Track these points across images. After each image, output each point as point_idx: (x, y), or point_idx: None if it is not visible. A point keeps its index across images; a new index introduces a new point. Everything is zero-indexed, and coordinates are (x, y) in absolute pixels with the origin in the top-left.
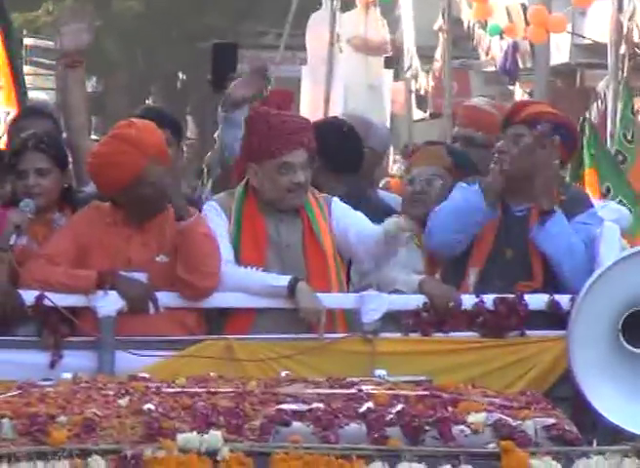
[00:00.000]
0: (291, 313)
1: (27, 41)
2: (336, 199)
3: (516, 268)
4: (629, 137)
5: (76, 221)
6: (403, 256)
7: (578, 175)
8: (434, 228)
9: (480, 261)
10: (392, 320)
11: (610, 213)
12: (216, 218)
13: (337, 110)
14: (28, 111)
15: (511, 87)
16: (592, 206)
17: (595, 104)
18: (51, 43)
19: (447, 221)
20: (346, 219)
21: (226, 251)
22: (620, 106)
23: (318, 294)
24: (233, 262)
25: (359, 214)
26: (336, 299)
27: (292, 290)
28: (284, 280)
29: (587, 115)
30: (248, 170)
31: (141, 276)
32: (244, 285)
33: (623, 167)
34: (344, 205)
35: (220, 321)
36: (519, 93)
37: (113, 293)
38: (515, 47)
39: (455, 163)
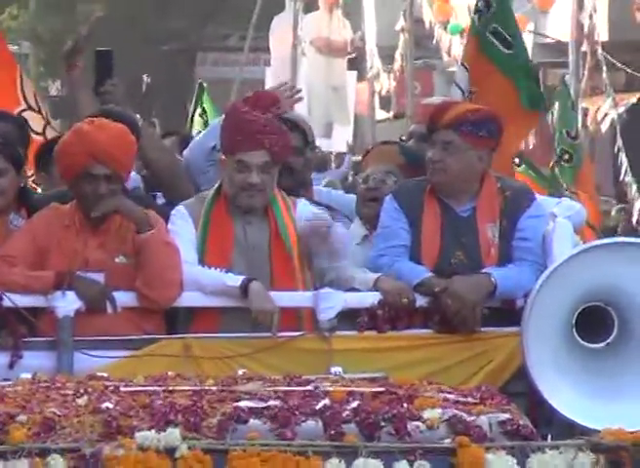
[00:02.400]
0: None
1: None
2: (304, 200)
3: (468, 270)
4: (573, 134)
5: (35, 223)
6: (359, 255)
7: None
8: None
9: (430, 264)
10: (348, 318)
11: (564, 209)
12: (181, 223)
13: (300, 111)
14: None
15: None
16: (535, 198)
17: (557, 103)
18: (15, 47)
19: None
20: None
21: (189, 253)
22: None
23: (275, 293)
24: (193, 262)
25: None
26: (291, 298)
27: (244, 290)
28: (237, 280)
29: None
30: (220, 161)
31: (99, 276)
32: (199, 283)
33: (570, 165)
34: (310, 208)
35: (185, 321)
36: None
37: (71, 294)
38: None
39: (407, 161)
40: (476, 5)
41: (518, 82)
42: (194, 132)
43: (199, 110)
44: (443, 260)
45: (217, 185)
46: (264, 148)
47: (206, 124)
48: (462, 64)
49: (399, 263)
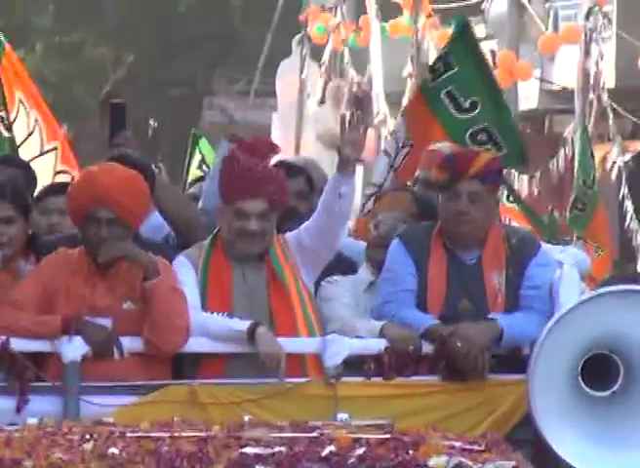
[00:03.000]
0: None
1: None
2: (288, 234)
3: (475, 318)
4: (589, 183)
5: (43, 267)
6: (366, 302)
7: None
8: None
9: (436, 311)
10: (354, 366)
11: (569, 257)
12: (183, 271)
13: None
14: (1, 160)
15: None
16: (541, 245)
17: (562, 150)
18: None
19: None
20: (296, 238)
21: (192, 298)
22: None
23: (281, 339)
24: (198, 308)
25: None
26: (297, 344)
27: (251, 334)
28: (243, 325)
29: (555, 161)
30: (218, 209)
31: (106, 322)
32: (206, 329)
33: (582, 213)
34: (293, 232)
35: (192, 367)
36: None
37: (78, 339)
38: None
39: (419, 210)
40: (433, 65)
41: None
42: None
43: (197, 160)
44: (449, 307)
45: (214, 232)
46: (263, 196)
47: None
48: (402, 116)
49: (405, 311)
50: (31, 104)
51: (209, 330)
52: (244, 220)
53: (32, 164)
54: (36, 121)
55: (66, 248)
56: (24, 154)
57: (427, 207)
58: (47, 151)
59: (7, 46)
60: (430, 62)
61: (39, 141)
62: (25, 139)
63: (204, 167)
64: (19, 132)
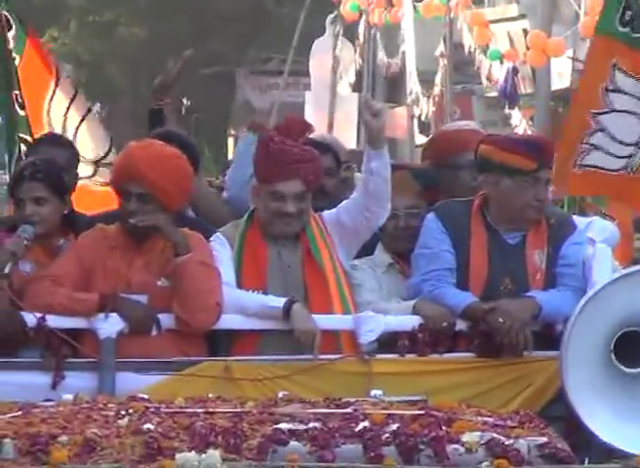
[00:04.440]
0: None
1: None
2: (326, 212)
3: (515, 297)
4: None
5: (81, 244)
6: (386, 284)
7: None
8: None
9: (478, 290)
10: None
11: (598, 232)
12: (219, 248)
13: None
14: (46, 139)
15: (511, 111)
16: (576, 226)
17: None
18: None
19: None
20: (335, 217)
21: (228, 274)
22: None
23: (316, 316)
24: (233, 285)
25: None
26: (332, 321)
27: (287, 311)
28: (279, 302)
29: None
30: (252, 188)
31: (142, 298)
32: (241, 306)
33: None
34: (331, 211)
35: (226, 344)
36: (517, 117)
37: (114, 316)
38: (515, 71)
39: (423, 186)
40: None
41: None
42: None
43: None
44: (491, 287)
45: (249, 211)
46: (299, 178)
47: None
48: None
49: (444, 289)
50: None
51: (244, 306)
52: (281, 202)
53: None
54: None
55: (104, 224)
56: None
57: (429, 181)
58: None
59: (27, 40)
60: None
61: None
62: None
63: None
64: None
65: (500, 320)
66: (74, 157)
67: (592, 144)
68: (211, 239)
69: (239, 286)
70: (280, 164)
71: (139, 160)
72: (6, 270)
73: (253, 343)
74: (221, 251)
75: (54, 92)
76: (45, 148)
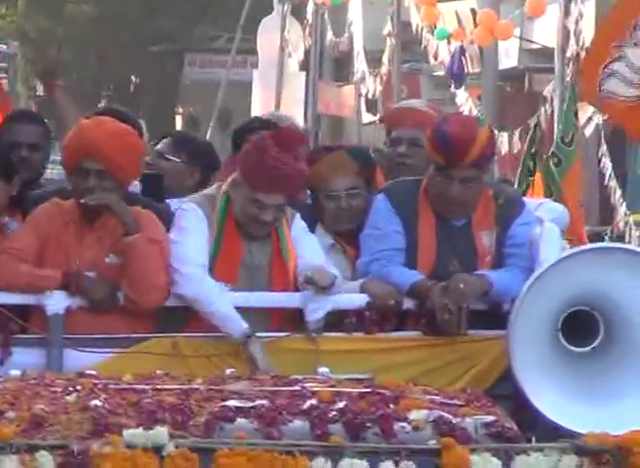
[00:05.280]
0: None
1: None
2: (298, 215)
3: None
4: (567, 140)
5: (37, 216)
6: (330, 264)
7: (527, 181)
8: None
9: (426, 271)
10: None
11: (548, 212)
12: (197, 224)
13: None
14: (18, 115)
15: (457, 91)
16: (525, 204)
17: (543, 108)
18: (3, 46)
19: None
20: (298, 244)
21: (201, 257)
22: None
23: (265, 294)
24: (205, 270)
25: (310, 243)
26: (280, 299)
27: (245, 341)
28: (240, 330)
29: (536, 119)
30: (230, 177)
31: (90, 275)
32: (208, 300)
33: (557, 169)
34: (302, 225)
35: (180, 322)
36: (463, 97)
37: (60, 292)
38: (462, 51)
39: (360, 165)
40: None
41: None
42: None
43: None
44: (440, 268)
45: (226, 197)
46: (284, 192)
47: None
48: None
49: (391, 267)
50: None
51: (210, 302)
52: (260, 209)
53: None
54: None
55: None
56: None
57: (366, 160)
58: None
59: None
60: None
61: None
62: None
63: None
64: None
65: (437, 297)
66: (47, 133)
67: (611, 71)
68: (184, 208)
69: (211, 274)
70: (270, 178)
71: (95, 136)
72: None
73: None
74: (199, 227)
75: None
76: (16, 125)
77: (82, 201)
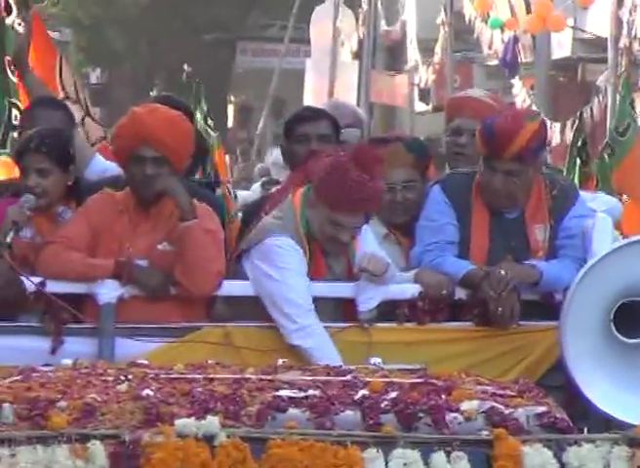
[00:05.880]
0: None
1: None
2: (367, 228)
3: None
4: (621, 130)
5: (89, 207)
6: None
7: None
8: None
9: (478, 265)
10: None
11: (601, 204)
12: (298, 261)
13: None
14: (40, 101)
15: (511, 80)
16: (579, 195)
17: (596, 99)
18: (56, 34)
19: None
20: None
21: (310, 297)
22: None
23: (317, 284)
24: (312, 313)
25: (367, 238)
26: (332, 288)
27: None
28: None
29: (588, 109)
30: (309, 199)
31: (143, 263)
32: (323, 356)
33: (611, 160)
34: (370, 236)
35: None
36: (518, 86)
37: (112, 281)
38: (516, 40)
39: (416, 157)
40: None
41: None
42: None
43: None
44: (492, 262)
45: (304, 218)
46: (363, 213)
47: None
48: None
49: (443, 257)
50: None
51: (324, 358)
52: (338, 230)
53: None
54: None
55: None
56: None
57: (422, 152)
58: None
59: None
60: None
61: None
62: None
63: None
64: None
65: (490, 289)
66: (70, 119)
67: None
68: (282, 245)
69: None
70: (351, 201)
71: (151, 124)
72: (7, 239)
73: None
74: (300, 266)
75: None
76: (40, 111)
77: (144, 194)
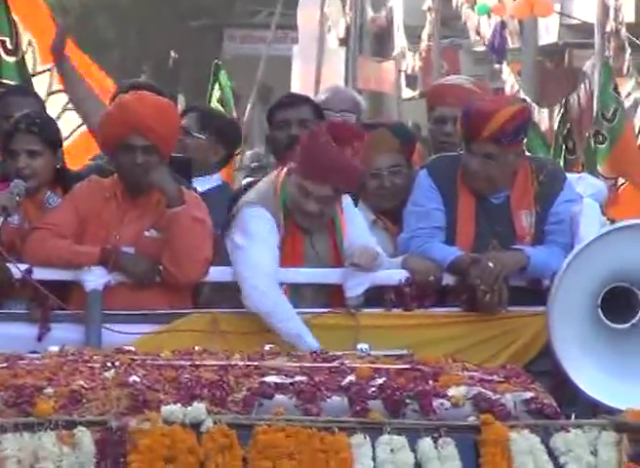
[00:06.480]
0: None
1: None
2: (357, 211)
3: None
4: (608, 116)
5: (77, 194)
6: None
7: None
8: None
9: (465, 250)
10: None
11: (587, 187)
12: (267, 229)
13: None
14: (14, 89)
15: (499, 66)
16: (567, 179)
17: (582, 84)
18: None
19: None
20: (347, 224)
21: (273, 265)
22: (600, 85)
23: (304, 270)
24: (274, 279)
25: (357, 220)
26: (320, 274)
27: None
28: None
29: (575, 96)
30: (289, 168)
31: (129, 250)
32: (283, 321)
33: (601, 147)
34: (349, 201)
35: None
36: (506, 72)
37: (100, 268)
38: (503, 26)
39: (402, 142)
40: None
41: None
42: None
43: (217, 93)
44: (478, 248)
45: (280, 186)
46: (329, 184)
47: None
48: None
49: (430, 243)
50: (25, 26)
51: (281, 321)
52: (305, 198)
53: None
54: (29, 43)
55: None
56: None
57: (408, 136)
58: (40, 72)
59: None
60: None
61: (32, 62)
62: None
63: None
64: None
65: (490, 264)
66: (42, 107)
67: None
68: (251, 212)
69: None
70: (320, 168)
71: (141, 112)
72: None
73: None
74: (268, 233)
75: None
76: (15, 98)
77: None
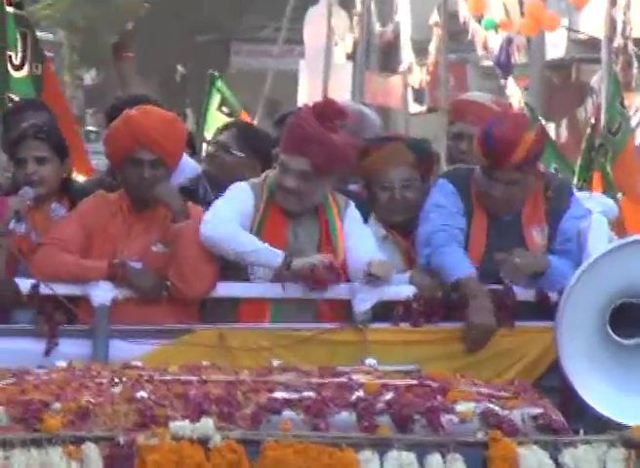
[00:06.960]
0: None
1: None
2: (353, 205)
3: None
4: (613, 130)
5: (83, 209)
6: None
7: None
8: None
9: (474, 263)
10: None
11: (597, 204)
12: (240, 195)
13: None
14: (25, 104)
15: (505, 81)
16: (573, 194)
17: (590, 99)
18: (50, 36)
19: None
20: (350, 234)
21: (236, 219)
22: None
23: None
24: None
25: (364, 234)
26: (328, 290)
27: (289, 267)
28: (277, 258)
29: (582, 110)
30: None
31: (136, 265)
32: (238, 243)
33: (605, 160)
34: (357, 214)
35: (233, 308)
36: (512, 87)
37: (106, 283)
38: (509, 41)
39: (417, 157)
40: None
41: None
42: (209, 131)
43: (217, 101)
44: (488, 264)
45: (272, 179)
46: (307, 157)
47: (230, 115)
48: None
49: (450, 247)
50: None
51: (238, 242)
52: (284, 175)
53: None
54: None
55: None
56: None
57: (424, 153)
58: None
59: None
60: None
61: None
62: None
63: (224, 108)
64: None
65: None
66: (55, 121)
67: None
68: (235, 185)
69: None
70: (294, 138)
71: (148, 126)
72: (10, 226)
73: (262, 309)
74: (240, 198)
75: None
76: (31, 113)
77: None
